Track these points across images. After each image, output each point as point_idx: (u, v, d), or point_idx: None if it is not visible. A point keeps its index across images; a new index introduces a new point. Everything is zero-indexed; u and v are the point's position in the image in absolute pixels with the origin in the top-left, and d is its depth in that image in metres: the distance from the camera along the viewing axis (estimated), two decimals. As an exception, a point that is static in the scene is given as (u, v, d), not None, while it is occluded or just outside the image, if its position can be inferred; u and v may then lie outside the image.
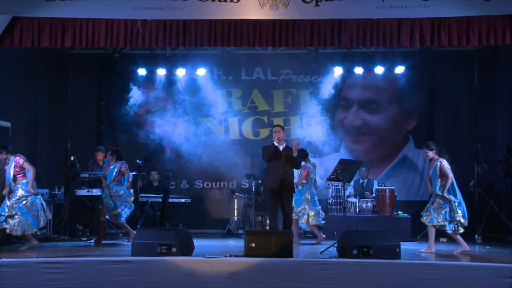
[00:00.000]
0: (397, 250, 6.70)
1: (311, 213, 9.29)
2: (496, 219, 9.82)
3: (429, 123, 11.58)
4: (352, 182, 9.91)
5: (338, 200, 10.10)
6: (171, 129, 11.49)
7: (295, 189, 8.65)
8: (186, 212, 11.04)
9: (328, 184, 10.65)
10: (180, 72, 11.44)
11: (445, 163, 7.99)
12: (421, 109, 11.55)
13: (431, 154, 8.14)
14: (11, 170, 8.04)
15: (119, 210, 9.13)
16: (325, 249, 7.69)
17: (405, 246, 7.37)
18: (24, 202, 7.97)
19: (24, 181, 8.02)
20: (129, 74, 11.52)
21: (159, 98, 11.58)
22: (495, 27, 8.53)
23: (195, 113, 11.65)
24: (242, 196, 10.91)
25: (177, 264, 6.28)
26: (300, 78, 11.76)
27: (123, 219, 9.18)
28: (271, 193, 8.08)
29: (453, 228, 7.86)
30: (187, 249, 6.85)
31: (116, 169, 9.25)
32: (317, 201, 9.45)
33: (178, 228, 8.19)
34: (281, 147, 8.08)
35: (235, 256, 6.61)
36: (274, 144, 8.07)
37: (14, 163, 8.05)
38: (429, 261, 6.64)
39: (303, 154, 9.07)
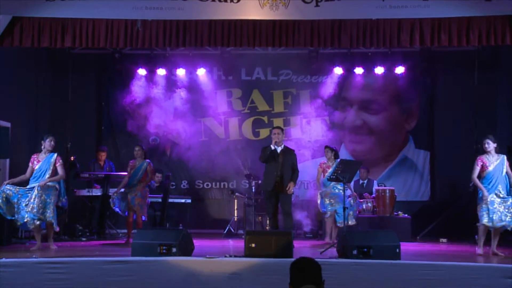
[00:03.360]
0: (397, 250, 6.69)
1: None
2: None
3: (429, 123, 11.58)
4: (352, 183, 9.90)
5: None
6: (171, 129, 11.50)
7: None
8: (186, 212, 11.04)
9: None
10: (180, 72, 11.43)
11: None
12: (421, 109, 11.55)
13: (493, 146, 7.74)
14: (51, 166, 8.02)
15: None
16: (325, 249, 7.69)
17: (405, 246, 7.36)
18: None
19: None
20: (129, 74, 11.50)
21: (159, 98, 11.56)
22: (495, 27, 8.53)
23: (195, 113, 11.64)
24: (242, 196, 10.91)
25: (177, 264, 6.28)
26: (300, 78, 11.75)
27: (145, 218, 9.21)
28: (267, 194, 8.32)
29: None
30: (187, 249, 6.84)
31: (143, 168, 9.09)
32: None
33: (178, 228, 8.19)
34: (279, 149, 8.23)
35: (235, 256, 6.60)
36: (270, 146, 8.20)
37: (56, 160, 8.05)
38: (429, 261, 6.63)
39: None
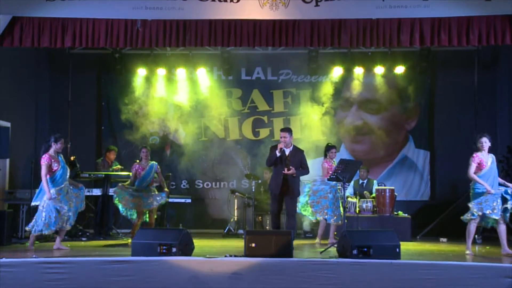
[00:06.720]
0: (397, 250, 6.69)
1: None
2: (496, 219, 9.79)
3: (429, 123, 11.59)
4: (352, 182, 9.91)
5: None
6: (171, 129, 11.50)
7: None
8: (186, 212, 11.04)
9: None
10: (180, 72, 11.45)
11: None
12: (421, 109, 11.55)
13: (489, 145, 7.68)
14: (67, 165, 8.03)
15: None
16: (325, 249, 7.69)
17: (405, 246, 7.36)
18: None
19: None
20: (129, 74, 11.52)
21: (159, 98, 11.55)
22: (495, 27, 8.55)
23: (195, 113, 11.65)
24: (242, 196, 10.91)
25: (177, 264, 6.28)
26: (300, 78, 11.76)
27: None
28: (274, 195, 8.37)
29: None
30: (187, 249, 6.85)
31: (153, 170, 8.97)
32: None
33: (178, 228, 8.18)
34: (287, 151, 8.24)
35: (235, 256, 6.60)
36: (280, 148, 8.19)
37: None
38: (429, 261, 6.63)
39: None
